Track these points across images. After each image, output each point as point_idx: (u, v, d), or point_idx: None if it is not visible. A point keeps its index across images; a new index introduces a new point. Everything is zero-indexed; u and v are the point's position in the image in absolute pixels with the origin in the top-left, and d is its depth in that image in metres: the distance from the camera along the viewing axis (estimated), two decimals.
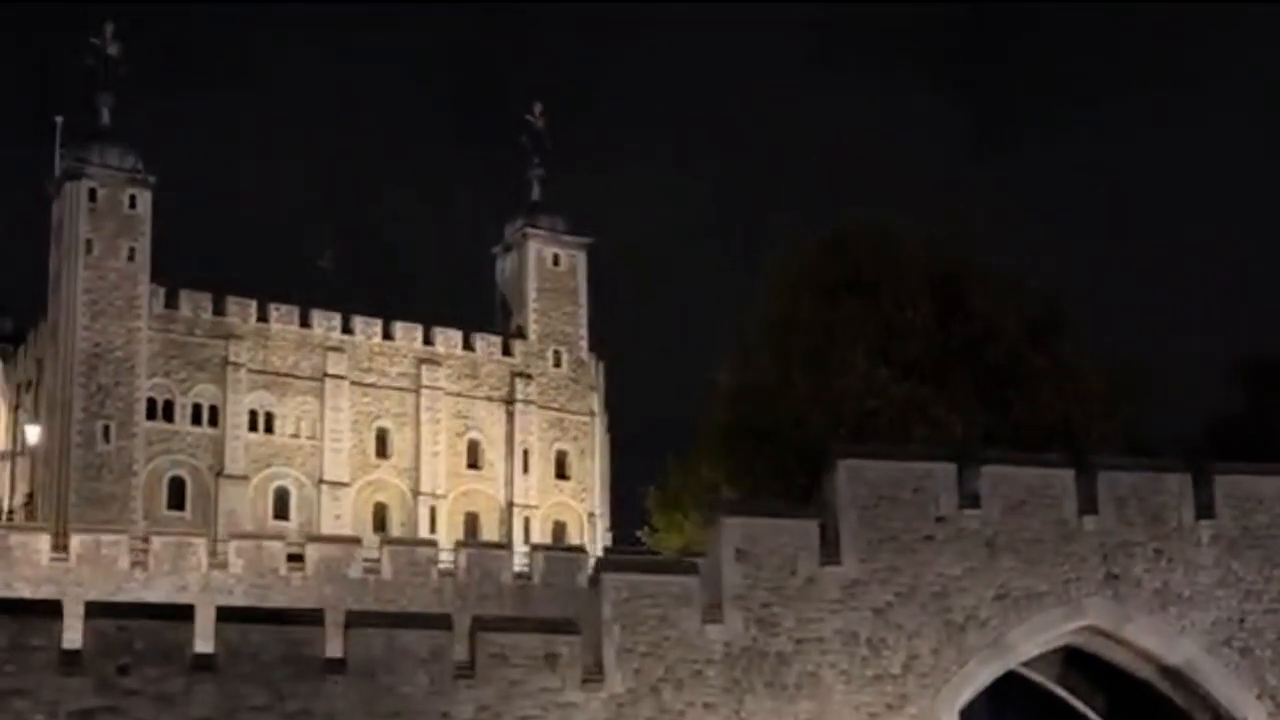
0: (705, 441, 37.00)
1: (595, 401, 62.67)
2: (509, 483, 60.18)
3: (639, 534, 40.12)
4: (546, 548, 43.28)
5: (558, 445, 61.63)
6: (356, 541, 37.40)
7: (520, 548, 46.13)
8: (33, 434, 51.71)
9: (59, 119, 59.24)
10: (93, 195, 57.26)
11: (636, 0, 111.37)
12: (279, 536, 38.19)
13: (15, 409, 59.25)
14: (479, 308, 63.71)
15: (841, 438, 31.07)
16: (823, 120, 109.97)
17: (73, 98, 76.35)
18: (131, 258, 56.89)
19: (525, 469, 60.41)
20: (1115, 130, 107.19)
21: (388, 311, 60.27)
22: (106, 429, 55.23)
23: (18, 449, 55.64)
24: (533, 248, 62.64)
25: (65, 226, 57.42)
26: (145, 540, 34.27)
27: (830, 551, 19.65)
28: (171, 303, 57.47)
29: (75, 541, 33.64)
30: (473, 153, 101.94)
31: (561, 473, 61.38)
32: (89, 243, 56.84)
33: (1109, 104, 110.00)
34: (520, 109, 63.46)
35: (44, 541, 33.46)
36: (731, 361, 37.42)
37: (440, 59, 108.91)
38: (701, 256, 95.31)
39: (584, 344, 63.07)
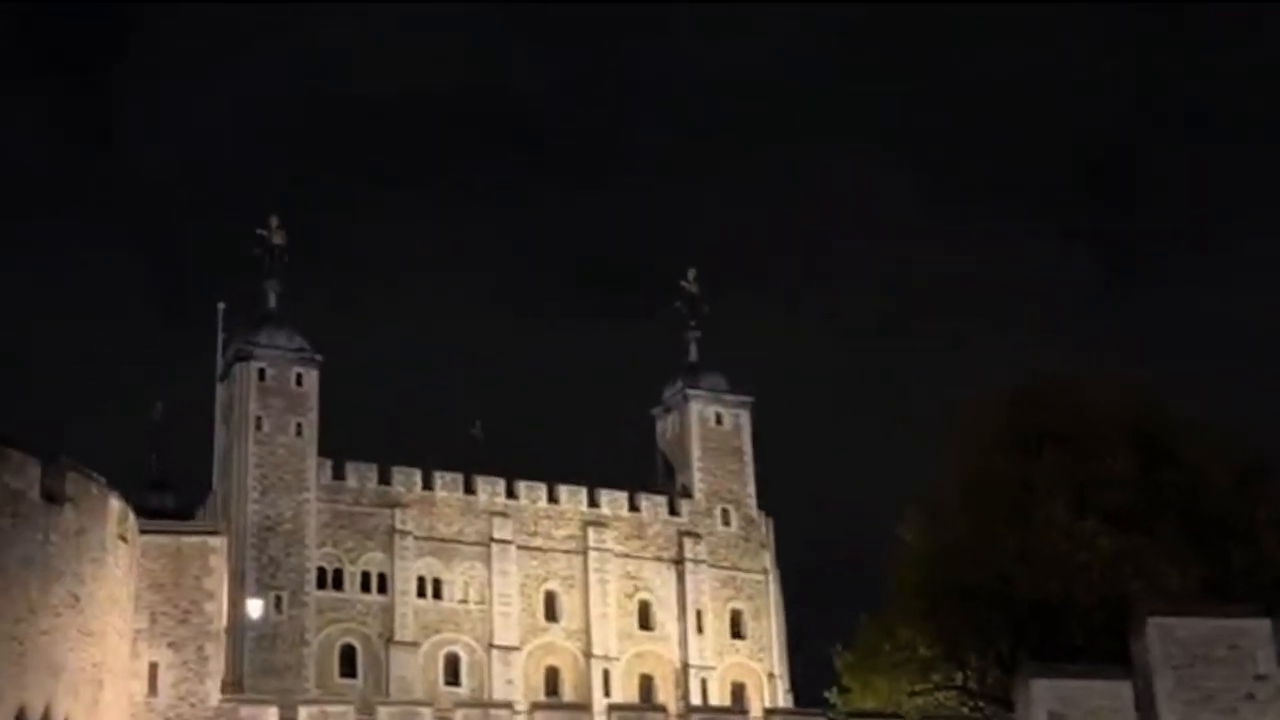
0: (899, 600, 35.60)
1: (767, 559, 61.13)
2: (683, 643, 58.50)
3: (827, 695, 38.31)
4: (626, 707, 41.23)
5: (731, 604, 59.98)
6: (507, 706, 35.73)
7: (599, 704, 44.58)
8: (255, 608, 51.43)
9: (221, 305, 60.58)
10: (261, 375, 58.08)
11: (755, 170, 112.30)
12: (428, 703, 36.71)
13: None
14: (641, 468, 63.10)
15: (1059, 591, 29.61)
16: (948, 271, 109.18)
17: (223, 284, 78.72)
18: (299, 433, 57.37)
19: (699, 629, 58.73)
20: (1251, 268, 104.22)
21: (550, 475, 59.82)
22: (279, 599, 54.96)
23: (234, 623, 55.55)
24: (694, 408, 62.02)
25: (235, 405, 58.11)
26: (369, 712, 33.21)
27: (1146, 713, 18.42)
28: (339, 474, 57.65)
29: (303, 714, 32.75)
30: (622, 317, 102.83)
31: (737, 632, 59.56)
32: (258, 420, 57.37)
33: (1245, 244, 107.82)
34: (670, 271, 64.16)
35: (273, 714, 32.60)
36: (920, 519, 36.19)
37: (581, 227, 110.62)
38: (857, 409, 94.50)
39: (752, 501, 61.83)
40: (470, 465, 59.03)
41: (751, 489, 61.96)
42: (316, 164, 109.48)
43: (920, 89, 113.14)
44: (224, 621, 32.70)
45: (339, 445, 57.91)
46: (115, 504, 32.28)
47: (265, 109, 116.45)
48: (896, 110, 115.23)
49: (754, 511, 61.96)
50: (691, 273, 63.35)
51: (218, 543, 33.29)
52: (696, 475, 61.33)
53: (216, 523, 56.39)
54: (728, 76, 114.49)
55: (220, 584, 32.30)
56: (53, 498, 30.66)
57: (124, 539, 31.83)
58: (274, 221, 60.23)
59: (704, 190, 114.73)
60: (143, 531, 33.30)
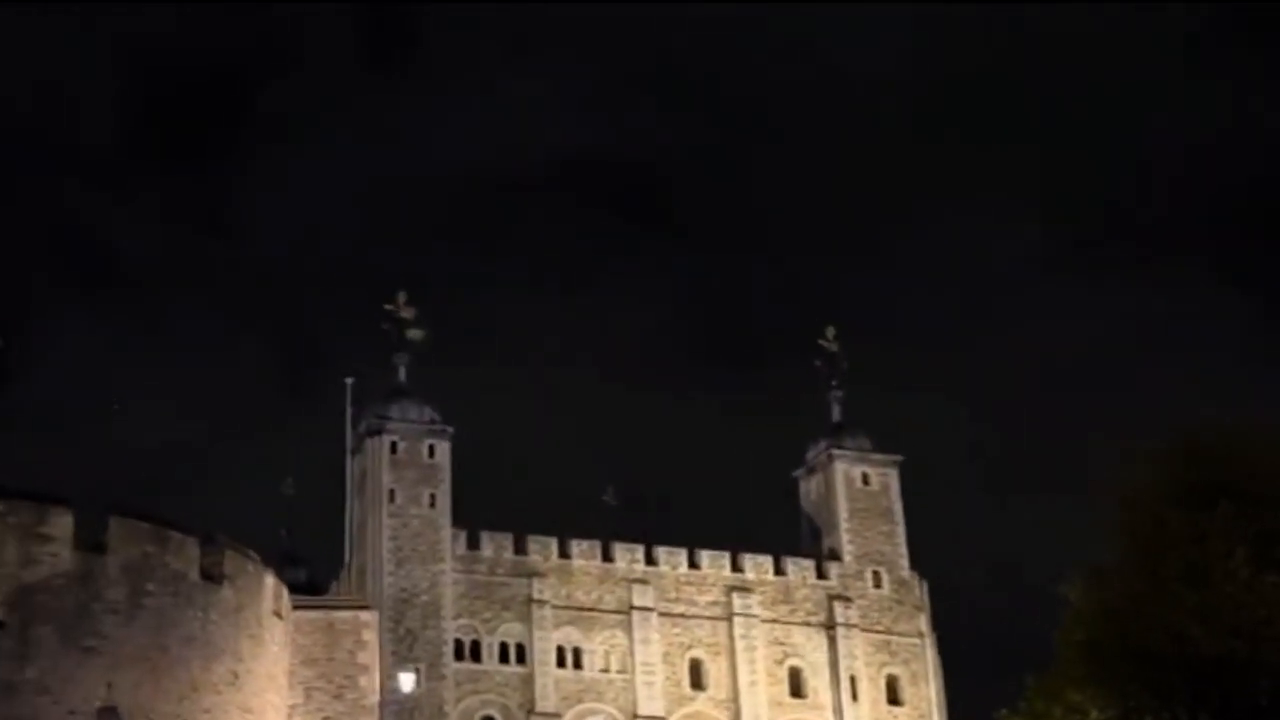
0: (1066, 663, 34.88)
1: (923, 622, 60.18)
2: (837, 711, 57.67)
3: None
4: None
5: (887, 669, 59.00)
6: None
7: None
8: (406, 682, 52.08)
9: (349, 380, 61.96)
10: (394, 448, 59.08)
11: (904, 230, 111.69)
12: None
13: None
14: (785, 532, 62.78)
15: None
16: (1097, 320, 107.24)
17: (349, 360, 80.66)
18: (433, 504, 58.14)
19: (854, 696, 57.84)
20: None
21: (690, 540, 59.60)
22: (417, 672, 55.54)
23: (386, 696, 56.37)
24: (840, 469, 61.47)
25: (368, 479, 59.16)
26: None
27: None
28: (473, 545, 58.20)
29: None
30: (758, 378, 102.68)
31: (894, 698, 58.57)
32: (392, 492, 58.29)
33: None
34: (806, 330, 63.76)
35: None
36: (1085, 577, 35.51)
37: (711, 289, 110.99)
38: (1008, 465, 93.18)
39: (904, 562, 61.00)
40: (606, 533, 59.19)
41: (903, 550, 61.13)
42: (444, 239, 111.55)
43: (1056, 140, 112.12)
44: (377, 695, 33.34)
45: (473, 516, 58.70)
46: (270, 581, 33.26)
47: (389, 186, 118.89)
48: (1038, 163, 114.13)
49: (906, 573, 61.08)
50: (830, 331, 63.17)
51: (369, 617, 34.13)
52: (845, 537, 60.67)
53: (353, 596, 57.79)
54: (860, 135, 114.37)
55: (374, 658, 33.07)
56: (211, 577, 31.72)
57: (279, 615, 32.75)
58: (402, 297, 61.54)
59: (837, 249, 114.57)
60: (295, 607, 34.20)
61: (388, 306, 61.29)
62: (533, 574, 57.65)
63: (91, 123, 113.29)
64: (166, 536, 31.70)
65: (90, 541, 31.24)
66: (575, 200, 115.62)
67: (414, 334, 61.26)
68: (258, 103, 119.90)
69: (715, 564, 59.41)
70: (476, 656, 56.46)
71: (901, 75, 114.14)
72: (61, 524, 31.19)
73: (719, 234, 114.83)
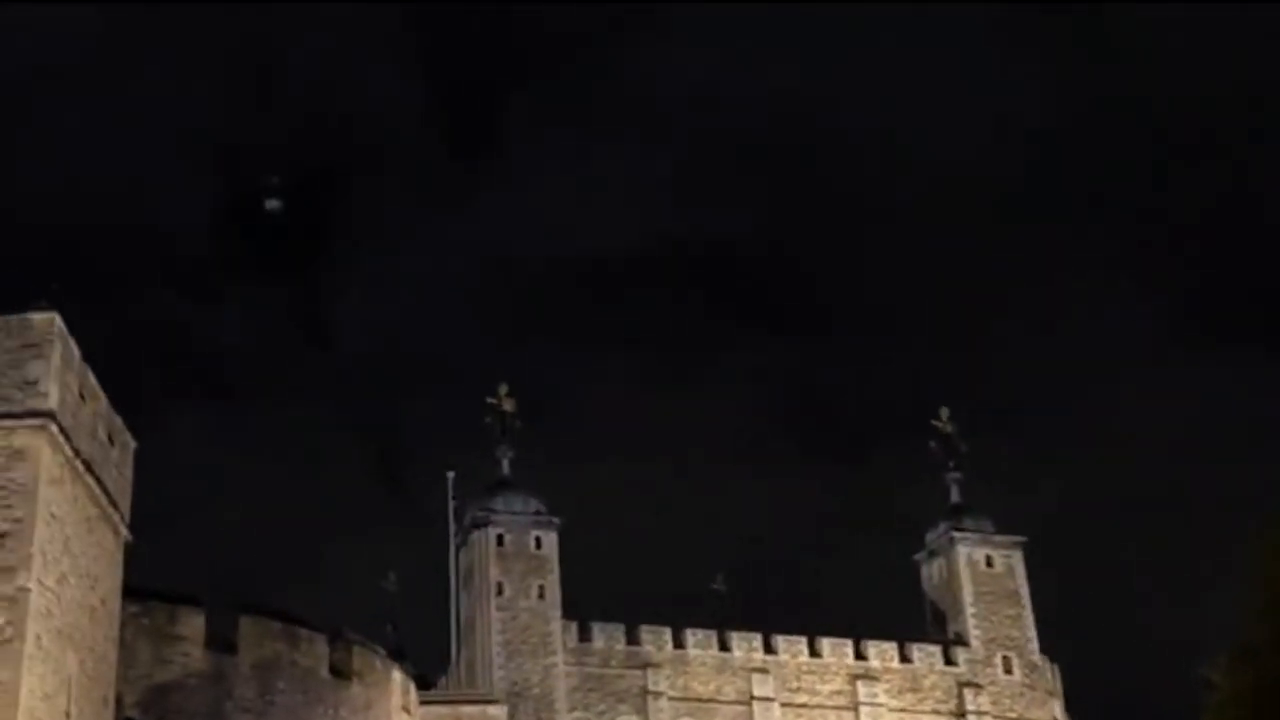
0: None
1: (1056, 708, 59.58)
2: None
3: None
4: None
5: None
6: None
7: None
8: None
9: (450, 474, 63.03)
10: (500, 540, 59.95)
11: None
12: None
13: None
14: (907, 617, 62.58)
15: None
16: (1224, 394, 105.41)
17: (448, 454, 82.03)
18: (542, 596, 58.76)
19: None
20: None
21: (809, 628, 59.59)
22: None
23: None
24: (962, 551, 61.32)
25: (475, 572, 59.99)
26: None
27: None
28: (585, 636, 58.69)
29: None
30: (868, 462, 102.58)
31: None
32: (499, 585, 59.05)
33: None
34: (918, 413, 64.25)
35: None
36: (1229, 657, 35.15)
37: (814, 373, 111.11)
38: (1136, 543, 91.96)
39: (1034, 647, 60.33)
40: (721, 621, 59.34)
41: (1032, 634, 60.50)
42: (540, 330, 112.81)
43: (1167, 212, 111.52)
44: None
45: (583, 607, 59.31)
46: (397, 676, 34.11)
47: (482, 279, 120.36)
48: (1153, 238, 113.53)
49: (1037, 658, 60.42)
50: (944, 412, 63.31)
51: (497, 711, 34.84)
52: (971, 622, 60.30)
53: (479, 691, 58.45)
54: (960, 210, 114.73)
55: None
56: (340, 673, 32.62)
57: (407, 711, 33.55)
58: (503, 389, 62.79)
59: (945, 328, 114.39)
60: (422, 702, 35.02)
61: (489, 400, 62.56)
62: (647, 665, 57.95)
63: (186, 231, 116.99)
64: (296, 634, 32.68)
65: (221, 641, 32.29)
66: (671, 285, 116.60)
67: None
68: (345, 204, 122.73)
69: (837, 652, 59.22)
70: None
71: (993, 158, 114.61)
72: (193, 624, 32.29)
73: (818, 319, 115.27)
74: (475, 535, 60.24)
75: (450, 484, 62.15)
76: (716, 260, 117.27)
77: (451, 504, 62.15)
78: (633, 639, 58.87)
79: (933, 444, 63.29)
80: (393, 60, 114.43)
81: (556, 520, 59.95)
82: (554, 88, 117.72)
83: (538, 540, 59.79)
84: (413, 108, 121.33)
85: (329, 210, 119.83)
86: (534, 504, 60.64)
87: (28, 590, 24.38)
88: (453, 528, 61.51)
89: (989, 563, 61.65)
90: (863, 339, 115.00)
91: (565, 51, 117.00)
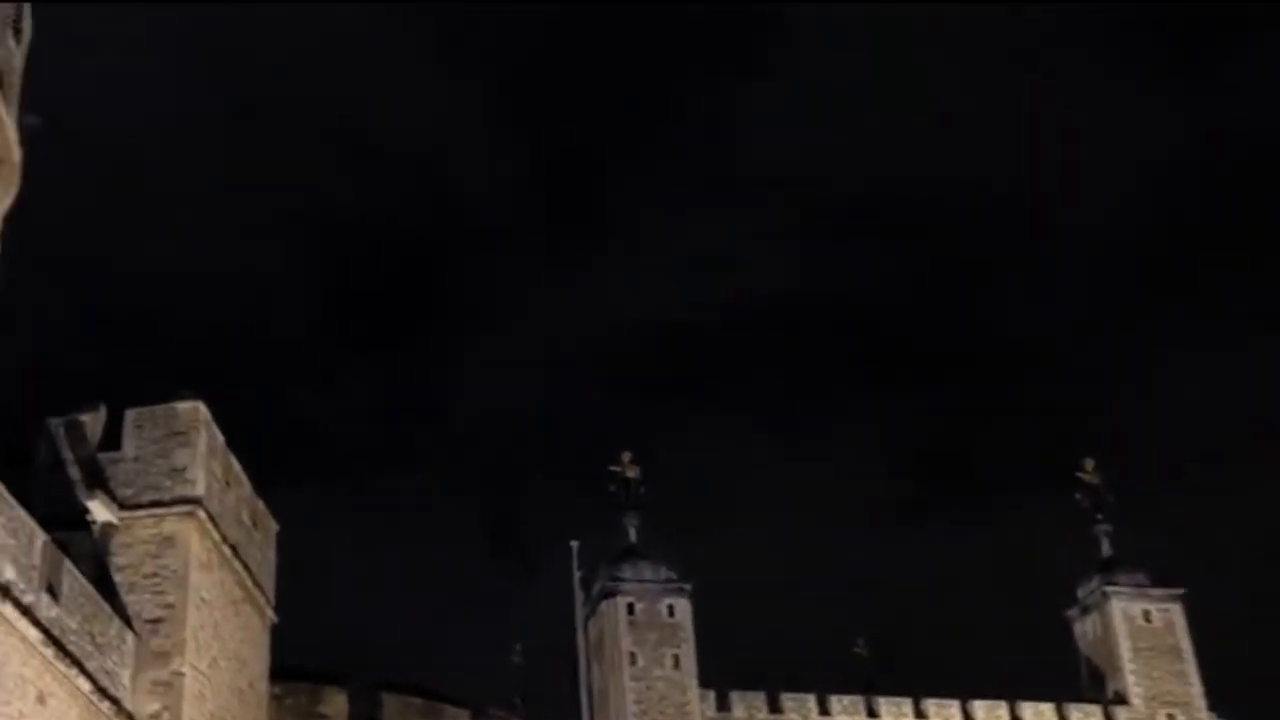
0: None
1: None
2: None
3: None
4: None
5: None
6: None
7: None
8: None
9: (574, 544, 63.16)
10: (631, 609, 59.89)
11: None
12: None
13: None
14: (1060, 676, 60.97)
15: None
16: None
17: (572, 522, 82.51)
18: (677, 665, 58.47)
19: None
20: None
21: (959, 690, 58.33)
22: None
23: None
24: (1117, 606, 59.82)
25: (606, 642, 59.94)
26: None
27: None
28: (723, 705, 58.14)
29: None
30: (1008, 516, 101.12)
31: None
32: (632, 655, 58.93)
33: None
34: (1059, 464, 63.20)
35: None
36: None
37: (947, 425, 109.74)
38: None
39: (1200, 703, 58.61)
40: (867, 686, 58.50)
41: (1198, 690, 58.84)
42: (657, 393, 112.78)
43: None
44: None
45: (720, 675, 58.93)
46: None
47: (595, 346, 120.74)
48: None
49: (1204, 715, 58.59)
50: (1089, 463, 62.20)
51: None
52: (1130, 679, 58.75)
53: None
54: (1085, 254, 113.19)
55: None
56: None
57: None
58: (625, 456, 63.01)
59: (1085, 379, 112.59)
60: None
61: (612, 468, 62.77)
62: None
63: (295, 316, 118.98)
64: (439, 710, 33.13)
65: (365, 719, 32.83)
66: (787, 341, 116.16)
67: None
68: (450, 278, 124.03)
69: (992, 715, 57.97)
70: None
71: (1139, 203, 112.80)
72: (336, 703, 32.88)
73: (950, 373, 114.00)
74: (605, 605, 60.27)
75: (575, 553, 62.23)
76: (839, 317, 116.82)
77: (577, 574, 62.05)
78: (775, 707, 58.31)
79: (1079, 496, 62.07)
80: (498, 132, 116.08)
81: (688, 586, 59.74)
82: (664, 152, 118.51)
83: (670, 608, 59.60)
84: (518, 179, 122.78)
85: (438, 285, 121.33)
86: (664, 571, 60.54)
87: (182, 675, 25.02)
88: (580, 598, 61.30)
89: (1147, 617, 60.02)
90: (998, 392, 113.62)
91: (676, 116, 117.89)
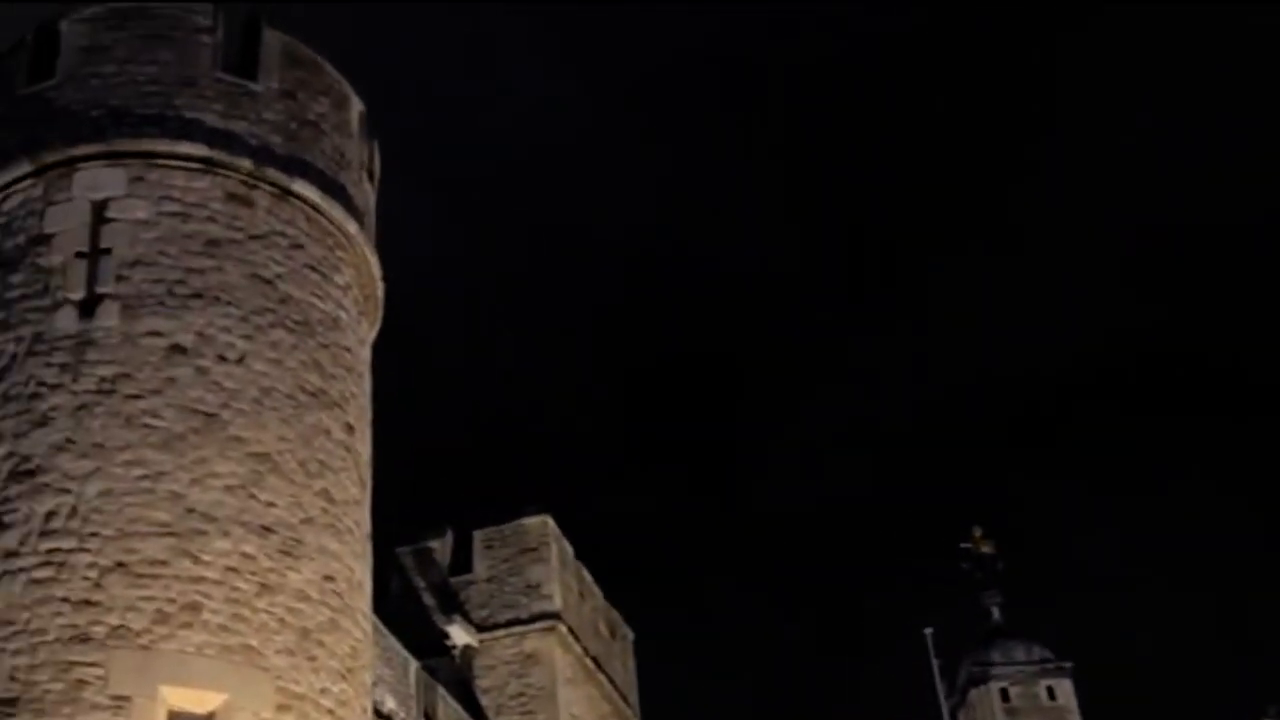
0: None
1: None
2: None
3: None
4: None
5: None
6: None
7: None
8: None
9: (928, 631, 61.77)
10: (1005, 695, 58.07)
11: None
12: None
13: None
14: None
15: None
16: None
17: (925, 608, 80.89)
18: None
19: None
20: None
21: None
22: None
23: None
24: None
25: None
26: None
27: None
28: None
29: None
30: None
31: None
32: None
33: None
34: None
35: None
36: None
37: None
38: None
39: None
40: None
41: None
42: (990, 461, 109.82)
43: None
44: None
45: None
46: None
47: (896, 420, 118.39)
48: None
49: None
50: None
51: None
52: None
53: None
54: None
55: None
56: None
57: None
58: (977, 532, 61.42)
59: None
60: None
61: (963, 544, 61.22)
62: None
63: (602, 417, 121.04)
64: None
65: None
66: (1124, 395, 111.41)
67: None
68: (748, 366, 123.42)
69: None
70: None
71: None
72: None
73: None
74: (975, 693, 58.56)
75: (930, 641, 61.02)
76: (1158, 358, 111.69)
77: (935, 663, 60.83)
78: None
79: None
80: (777, 211, 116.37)
81: (1068, 665, 57.73)
82: (957, 209, 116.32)
83: (1049, 690, 57.53)
84: (810, 255, 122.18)
85: (731, 376, 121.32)
86: (1037, 650, 58.48)
87: None
88: (942, 689, 60.04)
89: None
90: None
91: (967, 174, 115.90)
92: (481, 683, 27.08)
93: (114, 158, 16.92)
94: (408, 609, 28.15)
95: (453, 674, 26.80)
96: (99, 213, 16.63)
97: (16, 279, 16.55)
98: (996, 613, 60.47)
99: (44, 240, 16.66)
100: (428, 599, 28.56)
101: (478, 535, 28.66)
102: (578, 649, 27.62)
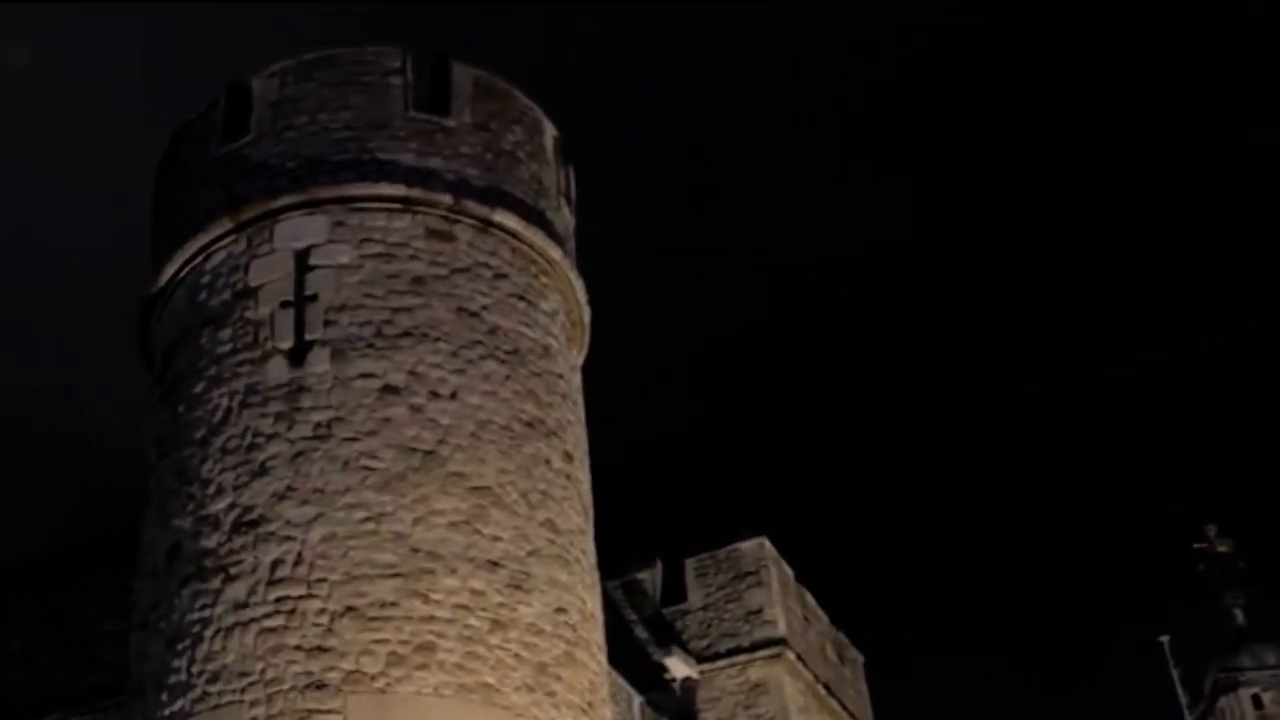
0: None
1: None
2: None
3: None
4: None
5: None
6: None
7: None
8: None
9: (1163, 639, 60.19)
10: (1258, 702, 56.56)
11: None
12: None
13: None
14: None
15: None
16: None
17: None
18: None
19: None
20: None
21: None
22: None
23: None
24: None
25: None
26: None
27: None
28: None
29: None
30: None
31: None
32: None
33: None
34: None
35: None
36: None
37: None
38: None
39: None
40: None
41: None
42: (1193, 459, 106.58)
43: None
44: None
45: None
46: None
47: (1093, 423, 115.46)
48: None
49: None
50: None
51: None
52: None
53: None
54: None
55: None
56: None
57: None
58: (1211, 530, 59.78)
59: None
60: None
61: (1197, 545, 59.68)
62: None
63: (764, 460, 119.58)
64: None
65: None
66: None
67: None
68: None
69: None
70: None
71: None
72: None
73: None
74: (1224, 701, 56.98)
75: (1167, 650, 59.44)
76: None
77: (1175, 672, 59.25)
78: None
79: None
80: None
81: None
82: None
83: None
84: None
85: (954, 388, 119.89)
86: None
87: None
88: (1184, 699, 58.47)
89: None
90: None
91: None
92: (706, 716, 27.06)
93: (313, 206, 17.41)
94: (621, 643, 28.31)
95: (675, 707, 26.85)
96: (302, 261, 17.09)
97: (225, 334, 17.11)
98: (1240, 615, 58.73)
99: (250, 294, 17.19)
100: (640, 632, 28.68)
101: (689, 563, 28.66)
102: (807, 676, 27.46)
